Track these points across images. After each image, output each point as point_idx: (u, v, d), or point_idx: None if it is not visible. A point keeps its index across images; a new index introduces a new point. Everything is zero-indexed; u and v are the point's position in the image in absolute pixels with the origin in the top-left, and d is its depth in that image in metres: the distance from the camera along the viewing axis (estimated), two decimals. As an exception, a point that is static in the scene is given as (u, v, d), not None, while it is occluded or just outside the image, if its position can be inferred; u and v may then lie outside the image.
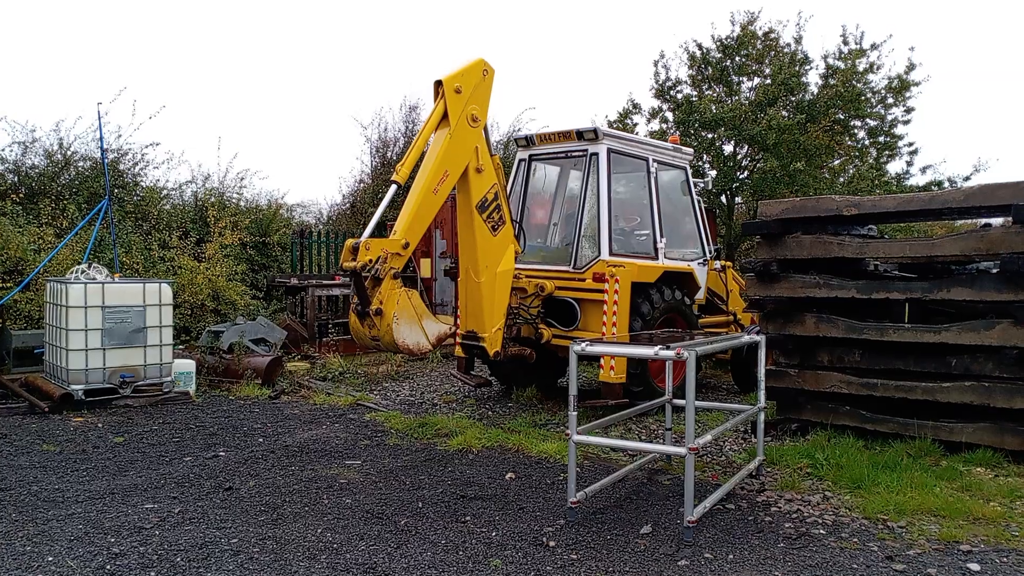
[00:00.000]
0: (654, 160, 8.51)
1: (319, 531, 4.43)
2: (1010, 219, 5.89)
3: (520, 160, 8.77)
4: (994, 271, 5.99)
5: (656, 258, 8.15)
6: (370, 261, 6.04)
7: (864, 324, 6.56)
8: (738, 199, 15.79)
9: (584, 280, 7.78)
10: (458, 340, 7.69)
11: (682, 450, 4.44)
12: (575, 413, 4.72)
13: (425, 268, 12.50)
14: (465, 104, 6.93)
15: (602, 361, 7.36)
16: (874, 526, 4.58)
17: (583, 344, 4.75)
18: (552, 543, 4.30)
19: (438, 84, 6.90)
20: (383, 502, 4.97)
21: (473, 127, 7.03)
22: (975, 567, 3.97)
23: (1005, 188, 5.95)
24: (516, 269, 7.66)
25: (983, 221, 7.03)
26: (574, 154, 8.34)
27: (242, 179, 13.38)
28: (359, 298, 6.12)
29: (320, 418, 7.51)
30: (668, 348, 4.48)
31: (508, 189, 8.42)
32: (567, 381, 4.77)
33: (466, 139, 6.97)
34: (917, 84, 13.89)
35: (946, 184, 14.06)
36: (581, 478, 5.29)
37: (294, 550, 4.14)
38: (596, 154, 7.99)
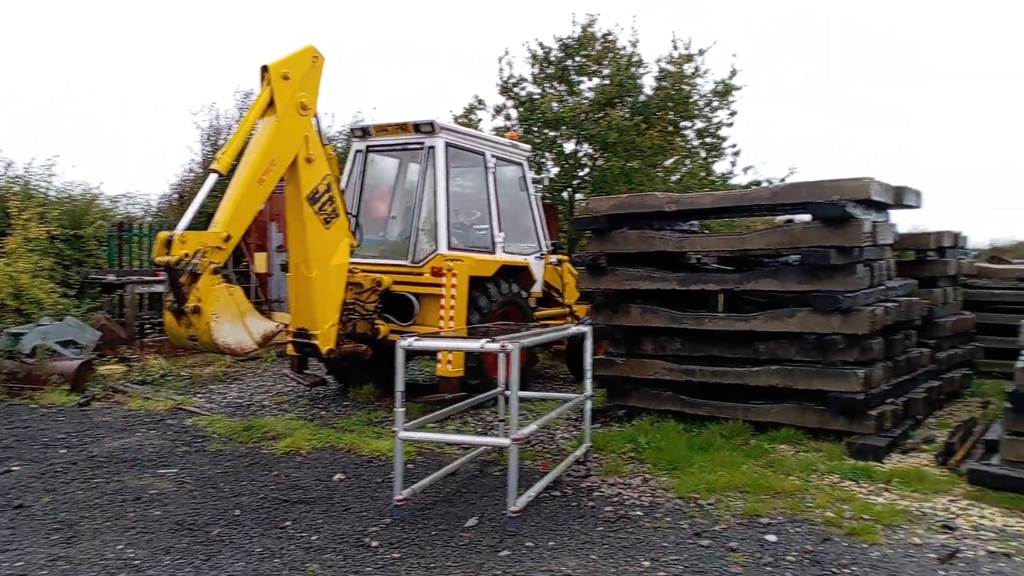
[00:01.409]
0: (492, 155, 8.56)
1: (119, 547, 4.09)
2: (810, 216, 6.41)
3: (356, 151, 8.55)
4: (796, 264, 6.49)
5: (494, 252, 8.21)
6: (186, 255, 5.65)
7: (684, 314, 6.92)
8: (579, 196, 16.25)
9: (422, 274, 7.70)
10: (290, 338, 7.39)
11: (506, 441, 4.47)
12: (402, 409, 4.63)
13: (260, 263, 11.94)
14: (294, 91, 6.66)
15: (439, 355, 7.32)
16: (687, 505, 4.83)
17: (410, 340, 4.68)
18: (375, 543, 4.20)
19: (264, 70, 6.57)
20: (196, 512, 4.67)
21: (303, 115, 6.76)
22: (772, 538, 4.27)
23: (805, 187, 6.46)
24: (352, 263, 7.46)
25: (787, 217, 7.61)
26: (411, 147, 8.24)
27: (52, 166, 12.20)
28: (175, 295, 5.72)
29: (135, 425, 6.96)
30: (493, 341, 4.51)
31: (344, 181, 8.20)
32: (395, 377, 4.67)
33: (295, 127, 6.69)
34: (738, 89, 14.87)
35: (764, 184, 15.15)
36: (413, 475, 5.23)
37: (88, 570, 3.79)
38: (433, 147, 7.92)
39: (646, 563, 3.94)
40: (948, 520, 4.52)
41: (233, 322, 5.91)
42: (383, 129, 8.37)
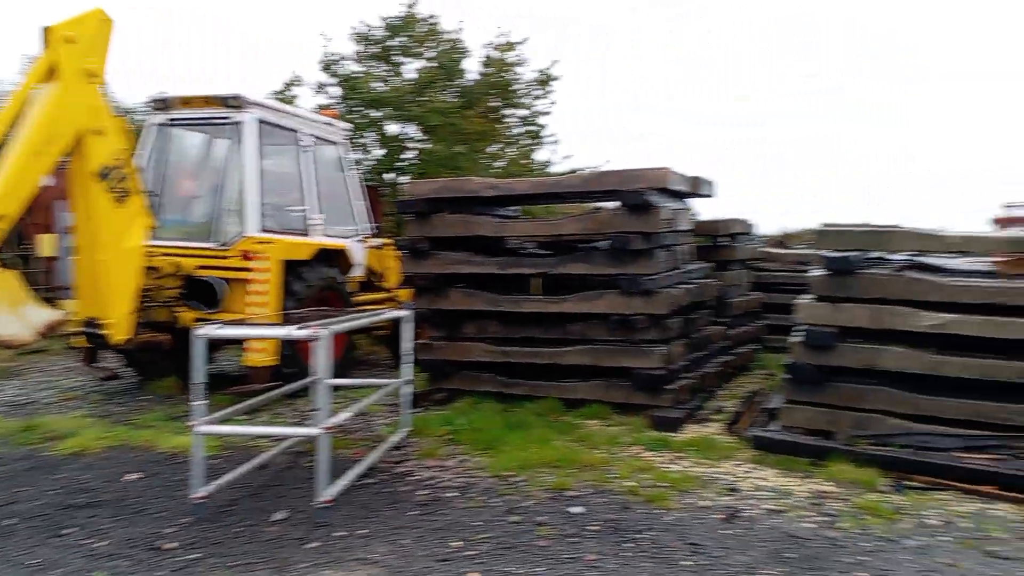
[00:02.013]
0: (308, 133, 8.25)
1: None
2: (617, 203, 6.74)
3: (155, 125, 7.92)
4: (605, 248, 6.81)
5: (309, 235, 7.93)
6: (-55, 237, 4.98)
7: (502, 297, 7.06)
8: (405, 178, 16.11)
9: (229, 258, 7.28)
10: (78, 328, 6.73)
11: (316, 430, 4.34)
12: (201, 402, 4.36)
13: (46, 246, 10.79)
14: (80, 57, 6.04)
15: (247, 344, 6.98)
16: (500, 483, 4.94)
17: (210, 328, 4.42)
18: (172, 545, 3.94)
19: (46, 32, 5.92)
20: (-42, 525, 4.15)
21: (90, 83, 6.16)
22: (578, 510, 4.47)
23: (613, 175, 6.78)
24: (150, 246, 6.92)
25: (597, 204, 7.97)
26: (218, 121, 7.74)
27: None
28: (-69, 282, 5.03)
29: None
30: (304, 328, 4.36)
31: (144, 157, 7.57)
32: (193, 368, 4.38)
33: (80, 96, 6.09)
34: (556, 79, 15.36)
35: (582, 171, 15.80)
36: (218, 470, 4.94)
37: None
38: (242, 123, 7.50)
39: (457, 543, 3.98)
40: (733, 483, 4.95)
41: (7, 311, 5.30)
42: (187, 102, 7.80)
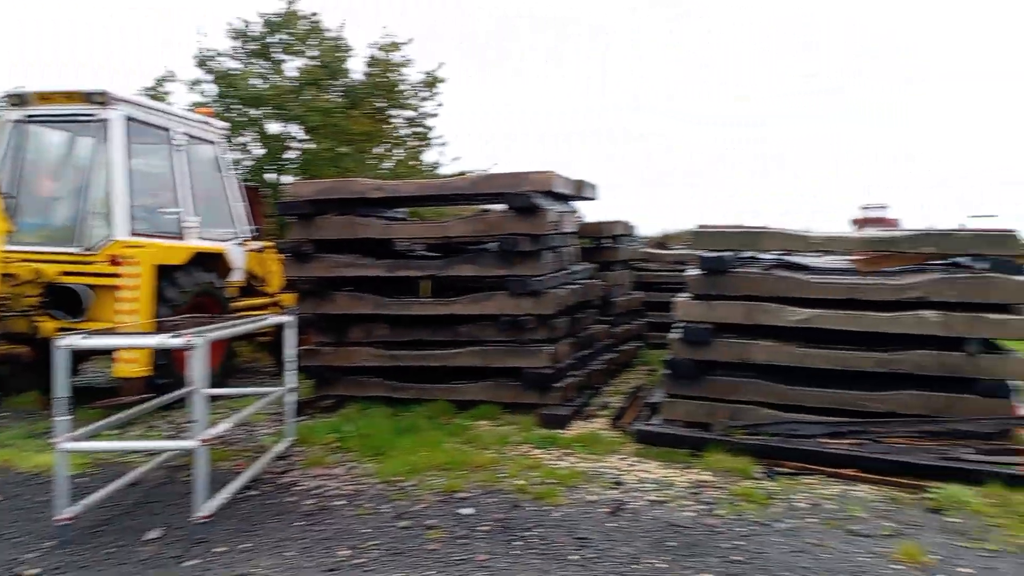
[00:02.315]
0: (183, 132, 7.88)
1: None
2: (505, 205, 6.80)
3: (11, 122, 7.34)
4: (493, 250, 6.86)
5: (184, 238, 7.57)
6: None
7: (390, 300, 6.98)
8: (287, 179, 15.64)
9: (96, 263, 6.84)
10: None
11: (192, 443, 4.15)
12: (64, 417, 4.08)
13: None
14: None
15: (117, 354, 6.58)
16: (390, 488, 4.88)
17: (74, 338, 4.14)
18: (34, 571, 3.67)
19: None
20: None
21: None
22: (468, 511, 4.48)
23: (500, 178, 6.85)
24: (6, 251, 6.41)
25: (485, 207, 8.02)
26: (82, 118, 7.26)
27: None
28: None
29: None
30: (177, 336, 4.15)
31: (-4, 156, 7.01)
32: (55, 381, 4.09)
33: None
34: (443, 81, 15.34)
35: (471, 173, 15.86)
36: (87, 489, 4.63)
37: None
38: (109, 120, 7.06)
39: (345, 552, 3.91)
40: (618, 476, 5.10)
41: None
42: (45, 98, 7.28)
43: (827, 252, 6.43)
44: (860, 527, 4.23)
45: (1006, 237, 5.49)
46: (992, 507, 4.48)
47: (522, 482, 4.94)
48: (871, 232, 8.10)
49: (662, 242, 13.54)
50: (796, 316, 5.70)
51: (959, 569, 3.70)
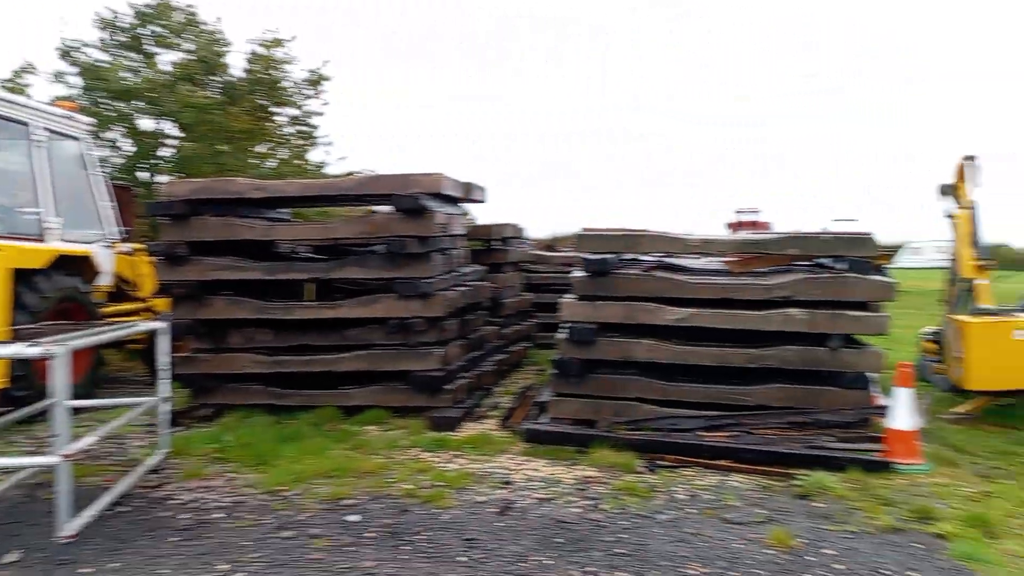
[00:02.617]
0: (43, 127, 7.33)
1: None
2: (392, 207, 6.72)
3: None
4: (381, 252, 6.76)
5: (45, 240, 7.05)
6: None
7: (272, 304, 6.76)
8: (162, 178, 14.89)
9: (-59, 267, 6.27)
10: None
11: (53, 459, 3.87)
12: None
13: None
14: None
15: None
16: (272, 499, 4.72)
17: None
18: None
19: None
20: None
21: None
22: (354, 518, 4.39)
23: (387, 179, 6.77)
24: None
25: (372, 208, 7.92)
26: (-76, 110, 6.64)
27: None
28: None
29: None
30: (34, 345, 3.87)
31: None
32: None
33: None
34: (328, 79, 15.03)
35: (359, 173, 15.60)
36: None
37: None
38: (-45, 112, 6.49)
39: (224, 567, 3.75)
40: (507, 476, 5.14)
41: None
42: None
43: (704, 254, 6.72)
44: (735, 515, 4.44)
45: (863, 240, 5.92)
46: (853, 491, 4.81)
47: (411, 486, 4.90)
48: (743, 235, 8.55)
49: (550, 244, 13.77)
50: (674, 315, 5.93)
51: (824, 551, 3.95)
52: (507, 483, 5.00)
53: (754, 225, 24.43)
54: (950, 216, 7.30)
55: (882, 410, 5.63)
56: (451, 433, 6.16)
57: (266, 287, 6.95)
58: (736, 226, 24.71)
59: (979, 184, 7.12)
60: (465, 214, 8.22)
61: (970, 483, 5.04)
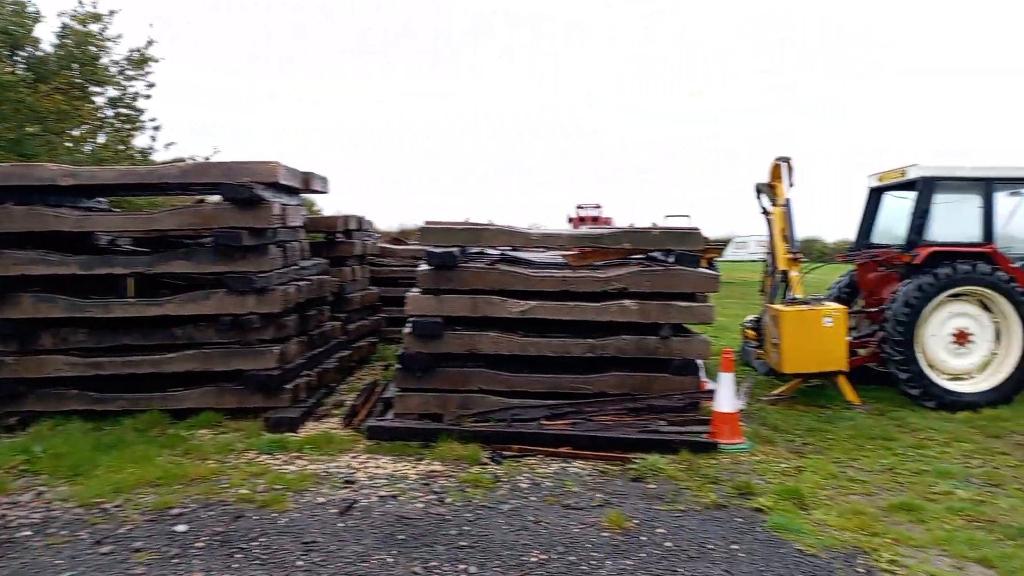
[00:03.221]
0: None
1: None
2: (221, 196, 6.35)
3: None
4: (211, 245, 6.38)
5: None
6: None
7: (88, 301, 6.21)
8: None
9: None
10: None
11: None
12: None
13: None
14: None
15: None
16: (88, 513, 4.34)
17: None
18: None
19: None
20: None
21: None
22: (182, 528, 4.12)
23: (216, 168, 6.38)
24: None
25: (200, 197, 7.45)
26: None
27: None
28: None
29: None
30: None
31: None
32: None
33: None
34: (156, 61, 14.00)
35: (189, 161, 14.65)
36: None
37: None
38: None
39: (29, 591, 3.39)
40: (349, 475, 5.02)
41: None
42: None
43: (545, 248, 6.87)
44: (574, 500, 4.58)
45: (689, 234, 6.28)
46: (682, 472, 5.11)
47: (246, 491, 4.66)
48: (583, 230, 8.83)
49: (398, 237, 13.60)
50: (518, 308, 6.03)
51: (656, 530, 4.15)
52: (350, 482, 4.88)
53: (595, 220, 25.33)
54: (766, 213, 7.90)
55: (709, 394, 6.02)
56: (291, 434, 5.93)
57: (82, 283, 6.37)
58: (578, 221, 25.53)
59: (793, 183, 7.76)
60: (302, 205, 7.92)
61: (786, 459, 5.50)
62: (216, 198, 6.84)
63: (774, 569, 3.69)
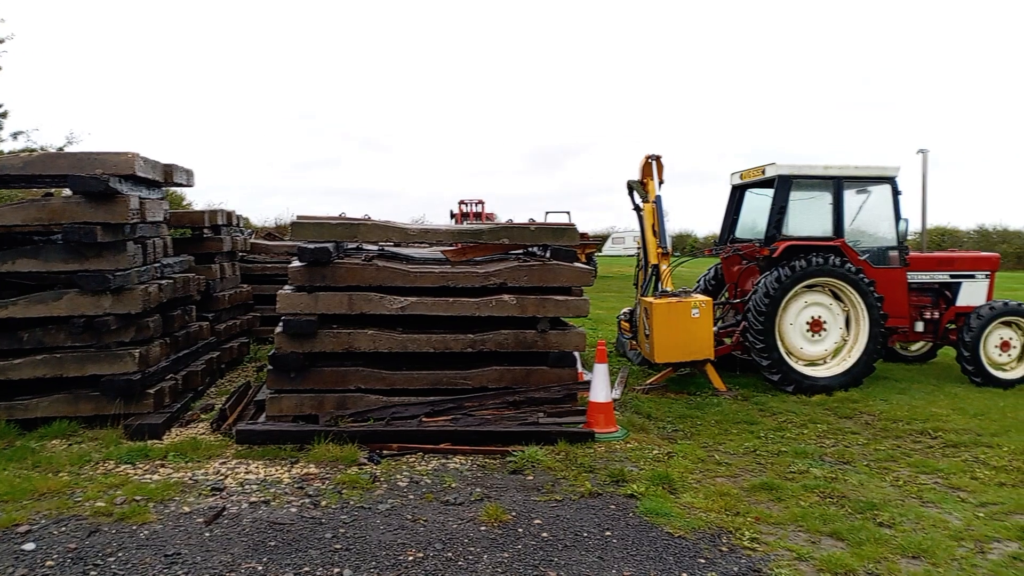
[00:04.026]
0: None
1: None
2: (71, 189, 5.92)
3: None
4: (61, 242, 5.93)
5: None
6: None
7: (-83, 304, 5.62)
8: None
9: None
10: None
11: None
12: None
13: None
14: None
15: None
16: (-83, 538, 3.93)
17: None
18: None
19: None
20: None
21: None
22: (30, 546, 3.80)
23: (64, 158, 5.93)
24: None
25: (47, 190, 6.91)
26: None
27: None
28: None
29: None
30: None
31: None
32: None
33: None
34: (2, 42, 12.88)
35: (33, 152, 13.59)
36: None
37: None
38: None
39: None
40: (218, 483, 4.79)
41: None
42: None
43: (424, 243, 6.82)
44: (453, 496, 4.57)
45: (565, 230, 6.40)
46: (560, 463, 5.20)
47: (103, 504, 4.36)
48: (463, 225, 8.84)
49: (272, 233, 13.13)
50: (396, 304, 5.95)
51: (533, 521, 4.21)
52: (218, 490, 4.66)
53: (478, 216, 25.43)
54: (638, 209, 8.18)
55: (586, 385, 6.16)
56: (154, 441, 5.61)
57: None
58: (460, 216, 25.53)
59: (663, 180, 8.06)
60: (164, 199, 7.49)
61: (658, 445, 5.71)
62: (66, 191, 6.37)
63: (644, 552, 3.82)
